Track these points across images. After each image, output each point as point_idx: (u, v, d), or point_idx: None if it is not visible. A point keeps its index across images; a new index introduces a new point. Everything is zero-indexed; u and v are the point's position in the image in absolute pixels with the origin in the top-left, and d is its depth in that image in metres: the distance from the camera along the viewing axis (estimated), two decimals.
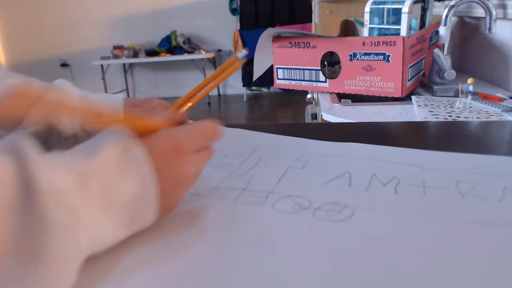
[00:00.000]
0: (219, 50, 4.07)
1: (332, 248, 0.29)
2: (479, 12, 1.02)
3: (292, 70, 1.00)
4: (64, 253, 0.22)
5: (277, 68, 1.03)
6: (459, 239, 0.30)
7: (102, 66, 3.96)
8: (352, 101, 0.93)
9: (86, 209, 0.25)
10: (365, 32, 1.10)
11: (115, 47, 4.00)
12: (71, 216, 0.23)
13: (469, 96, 0.79)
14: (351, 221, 0.32)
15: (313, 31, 2.29)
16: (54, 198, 0.22)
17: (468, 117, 0.70)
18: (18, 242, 0.21)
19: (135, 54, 4.01)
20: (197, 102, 0.51)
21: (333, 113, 0.83)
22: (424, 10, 1.08)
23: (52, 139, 0.45)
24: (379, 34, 1.06)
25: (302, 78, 1.00)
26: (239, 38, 3.81)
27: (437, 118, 0.70)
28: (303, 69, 0.98)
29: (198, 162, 0.32)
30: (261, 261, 0.28)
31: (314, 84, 0.98)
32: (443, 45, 0.98)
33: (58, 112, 0.42)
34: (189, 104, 0.51)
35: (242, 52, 0.54)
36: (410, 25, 1.00)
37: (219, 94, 4.24)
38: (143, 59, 3.97)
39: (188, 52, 3.97)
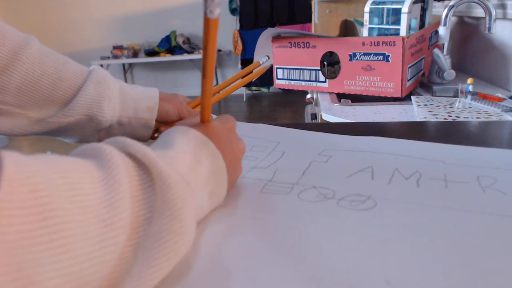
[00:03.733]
0: (219, 50, 4.07)
1: (357, 234, 0.30)
2: (479, 12, 1.02)
3: (292, 70, 1.00)
4: (188, 212, 0.27)
5: (276, 68, 1.03)
6: (480, 229, 0.30)
7: (101, 66, 3.95)
8: (352, 101, 0.93)
9: (189, 183, 0.30)
10: (364, 32, 1.10)
11: (114, 47, 4.00)
12: (185, 187, 0.29)
13: (469, 96, 0.79)
14: (375, 211, 0.33)
15: (312, 31, 2.29)
16: (173, 179, 0.28)
17: (467, 117, 0.70)
18: (152, 212, 0.26)
19: (135, 54, 4.00)
20: (216, 102, 0.57)
21: (333, 113, 0.83)
22: (423, 10, 1.08)
23: (88, 129, 0.51)
24: (379, 34, 1.06)
25: (301, 78, 1.00)
26: (239, 38, 3.81)
27: (436, 118, 0.70)
28: (303, 69, 0.98)
29: (242, 141, 0.39)
30: (290, 244, 0.30)
31: (314, 84, 0.98)
32: (443, 45, 0.98)
33: (101, 104, 0.50)
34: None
35: (264, 59, 0.64)
36: (409, 25, 1.00)
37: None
38: (142, 59, 3.97)
39: (188, 52, 3.97)
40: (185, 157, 0.32)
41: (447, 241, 0.29)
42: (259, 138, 0.52)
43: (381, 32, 1.06)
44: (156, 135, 0.58)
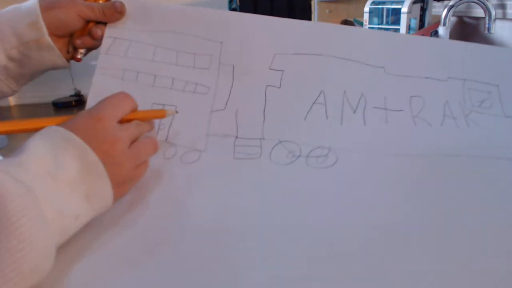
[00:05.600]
0: None
1: (328, 192, 0.35)
2: (479, 12, 1.02)
3: None
4: (32, 225, 0.23)
5: None
6: (415, 170, 0.37)
7: None
8: None
9: (37, 184, 0.26)
10: None
11: None
12: (24, 188, 0.25)
13: None
14: (338, 166, 0.37)
15: None
16: (3, 181, 0.23)
17: None
18: None
19: None
20: None
21: None
22: (423, 10, 1.08)
23: None
24: None
25: None
26: None
27: None
28: None
29: (130, 136, 0.33)
30: (274, 204, 0.33)
31: None
32: None
33: None
34: None
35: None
36: (409, 25, 1.00)
37: None
38: None
39: None
40: (40, 161, 0.27)
41: (401, 185, 0.35)
42: (197, 36, 0.45)
43: None
44: (79, 56, 0.49)
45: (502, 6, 0.93)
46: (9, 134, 0.31)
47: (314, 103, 0.42)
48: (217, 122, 0.41)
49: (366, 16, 1.08)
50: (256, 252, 0.29)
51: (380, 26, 1.06)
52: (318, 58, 0.44)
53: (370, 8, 1.06)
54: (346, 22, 1.96)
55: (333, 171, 0.37)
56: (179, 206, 0.34)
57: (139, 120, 0.35)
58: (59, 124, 0.30)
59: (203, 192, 0.35)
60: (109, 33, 0.48)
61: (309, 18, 3.01)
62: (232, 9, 3.96)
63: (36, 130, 0.31)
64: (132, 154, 0.32)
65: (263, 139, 0.40)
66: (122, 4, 0.48)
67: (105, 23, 0.49)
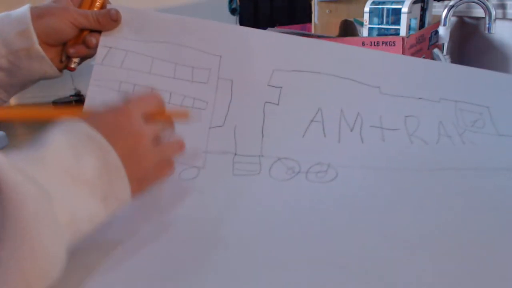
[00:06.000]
0: None
1: (330, 204, 0.36)
2: (479, 12, 1.02)
3: None
4: (44, 231, 0.22)
5: None
6: (415, 185, 0.38)
7: None
8: None
9: (54, 185, 0.25)
10: (364, 32, 1.10)
11: None
12: (38, 190, 0.23)
13: None
14: (338, 181, 0.38)
15: (312, 31, 2.29)
16: (16, 183, 0.22)
17: None
18: (4, 233, 0.21)
19: None
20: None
21: None
22: (423, 10, 1.08)
23: None
24: (379, 34, 1.06)
25: None
26: None
27: None
28: None
29: (155, 132, 0.32)
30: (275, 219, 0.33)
31: None
32: (443, 45, 0.98)
33: None
34: None
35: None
36: (409, 25, 1.00)
37: None
38: None
39: None
40: (61, 158, 0.26)
41: (402, 199, 0.36)
42: (196, 49, 0.45)
43: (381, 32, 1.06)
44: (73, 66, 0.47)
45: (503, 6, 0.93)
46: (26, 120, 0.30)
47: (312, 120, 0.43)
48: (216, 139, 0.41)
49: (366, 16, 1.08)
50: (258, 264, 0.29)
51: (380, 26, 1.06)
52: (316, 75, 0.44)
53: (370, 8, 1.06)
54: (346, 22, 1.95)
55: (333, 186, 0.38)
56: (179, 222, 0.34)
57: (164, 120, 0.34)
58: (83, 119, 0.29)
59: (203, 208, 0.35)
60: (104, 42, 0.46)
61: (309, 18, 3.01)
62: (232, 9, 3.96)
63: (57, 118, 0.30)
64: (156, 151, 0.32)
65: (262, 156, 0.40)
66: (117, 12, 0.47)
67: (100, 32, 0.47)
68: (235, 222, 0.33)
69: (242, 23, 3.93)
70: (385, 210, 0.34)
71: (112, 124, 0.30)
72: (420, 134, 0.42)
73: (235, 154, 0.40)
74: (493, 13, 0.89)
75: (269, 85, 0.43)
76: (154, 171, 0.32)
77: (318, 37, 0.95)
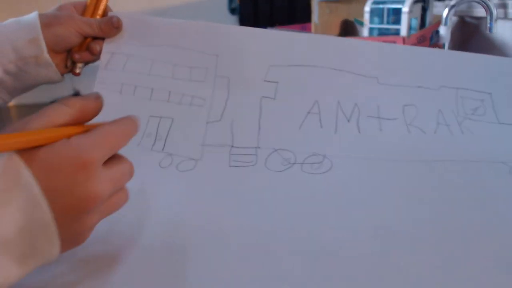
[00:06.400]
0: None
1: (323, 196, 0.35)
2: (480, 11, 1.01)
3: None
4: None
5: None
6: (411, 176, 0.37)
7: None
8: None
9: None
10: (365, 32, 1.10)
11: None
12: None
13: None
14: (332, 172, 0.38)
15: (312, 31, 2.29)
16: None
17: None
18: None
19: None
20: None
21: None
22: (424, 9, 1.08)
23: None
24: (379, 34, 1.05)
25: None
26: None
27: None
28: None
29: (113, 177, 0.26)
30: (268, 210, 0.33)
31: None
32: (444, 45, 0.97)
33: None
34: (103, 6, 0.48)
35: None
36: (410, 25, 1.00)
37: None
38: None
39: None
40: None
41: (396, 189, 0.35)
42: (193, 49, 0.46)
43: (382, 32, 1.05)
44: (77, 71, 0.49)
45: (504, 6, 0.92)
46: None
47: (308, 113, 0.43)
48: (213, 133, 0.42)
49: (366, 16, 1.07)
50: (253, 254, 0.29)
51: (380, 26, 1.05)
52: (312, 69, 0.45)
53: (370, 8, 1.05)
54: (346, 22, 1.95)
55: (328, 176, 0.38)
56: (176, 213, 0.34)
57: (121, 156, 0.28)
58: (26, 150, 0.23)
59: (200, 199, 0.36)
60: (107, 48, 0.49)
61: (309, 18, 3.01)
62: (232, 9, 3.96)
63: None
64: (107, 198, 0.26)
65: (258, 148, 0.40)
66: (118, 19, 0.48)
67: (103, 38, 0.49)
68: (231, 213, 0.33)
69: (242, 23, 3.93)
70: (379, 201, 0.34)
71: (63, 175, 0.23)
72: (418, 123, 0.42)
73: (232, 146, 0.41)
74: (494, 12, 0.89)
75: (265, 80, 0.44)
76: (101, 216, 0.27)
77: None
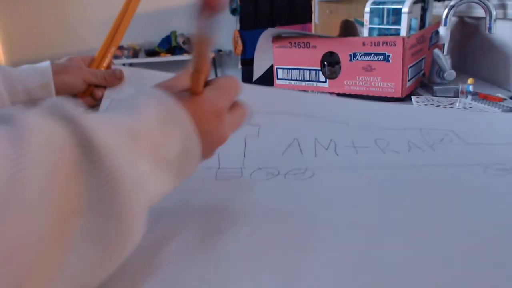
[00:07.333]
0: (219, 50, 4.07)
1: (308, 197, 0.38)
2: (479, 12, 1.01)
3: (292, 70, 1.00)
4: (134, 204, 0.24)
5: (277, 68, 1.03)
6: (377, 182, 0.41)
7: None
8: None
9: (142, 164, 0.26)
10: (365, 32, 1.10)
11: None
12: (135, 171, 0.25)
13: (469, 96, 0.79)
14: (315, 178, 0.42)
15: (313, 31, 2.29)
16: (117, 158, 0.23)
17: None
18: (91, 200, 0.22)
19: (135, 54, 4.01)
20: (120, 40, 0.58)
21: None
22: (424, 10, 1.08)
23: None
24: (379, 34, 1.06)
25: (302, 78, 1.00)
26: (239, 38, 3.81)
27: None
28: (303, 69, 0.98)
29: (235, 122, 0.35)
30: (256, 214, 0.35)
31: (314, 84, 0.98)
32: (443, 45, 0.98)
33: None
34: (113, 48, 0.56)
35: None
36: (410, 25, 1.00)
37: None
38: (143, 59, 3.97)
39: (188, 52, 3.96)
40: (151, 134, 0.27)
41: (375, 190, 0.39)
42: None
43: (382, 32, 1.06)
44: None
45: (503, 6, 0.93)
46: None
47: (289, 145, 0.49)
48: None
49: (366, 16, 1.08)
50: (236, 255, 0.30)
51: (380, 26, 1.06)
52: (291, 116, 0.54)
53: (370, 8, 1.06)
54: (346, 22, 1.95)
55: (311, 181, 0.41)
56: (158, 221, 0.35)
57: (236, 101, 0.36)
58: (181, 100, 0.30)
59: (184, 208, 0.38)
60: (108, 94, 0.56)
61: (309, 18, 3.01)
62: (232, 9, 3.96)
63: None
64: (231, 131, 0.34)
65: (244, 168, 0.45)
66: (121, 72, 0.57)
67: (105, 86, 0.56)
68: (214, 216, 0.36)
69: (242, 23, 3.93)
70: (363, 202, 0.37)
71: (204, 121, 0.31)
72: (391, 148, 0.47)
73: (219, 168, 0.45)
74: (494, 13, 0.89)
75: (249, 124, 0.50)
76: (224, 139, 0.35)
77: (319, 37, 0.95)
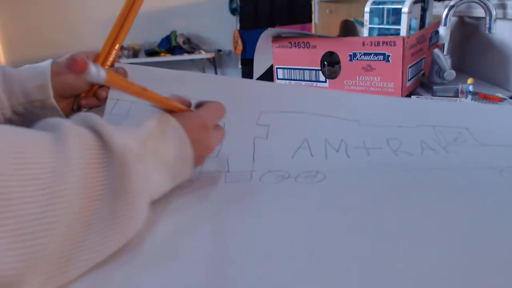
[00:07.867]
0: (219, 50, 4.07)
1: (320, 200, 0.38)
2: (479, 12, 1.02)
3: (292, 70, 1.00)
4: (142, 194, 0.30)
5: (277, 68, 1.03)
6: (395, 184, 0.39)
7: None
8: None
9: (148, 163, 0.32)
10: (365, 32, 1.10)
11: None
12: (143, 167, 0.31)
13: (469, 96, 0.79)
14: (326, 181, 0.41)
15: (313, 31, 2.29)
16: (130, 155, 0.29)
17: None
18: (106, 188, 0.28)
19: (135, 54, 4.00)
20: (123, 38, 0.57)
21: None
22: (424, 10, 1.08)
23: None
24: (379, 34, 1.06)
25: (302, 78, 1.00)
26: (239, 38, 3.81)
27: None
28: (303, 69, 0.98)
29: (218, 137, 0.41)
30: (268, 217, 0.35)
31: (314, 84, 0.98)
32: (443, 45, 0.98)
33: None
34: (117, 46, 0.54)
35: None
36: (410, 25, 1.00)
37: None
38: (143, 59, 3.97)
39: (188, 52, 3.96)
40: (153, 138, 0.33)
41: (387, 194, 0.38)
42: (191, 98, 0.50)
43: (381, 32, 1.06)
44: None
45: (503, 6, 0.93)
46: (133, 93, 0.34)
47: (299, 148, 0.48)
48: (210, 164, 0.46)
49: (366, 16, 1.08)
50: (246, 256, 0.30)
51: (380, 26, 1.06)
52: (300, 115, 0.52)
53: (370, 8, 1.06)
54: (346, 22, 1.96)
55: (323, 184, 0.41)
56: (171, 223, 0.35)
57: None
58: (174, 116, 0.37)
59: (195, 209, 0.38)
60: (113, 95, 0.54)
61: (309, 18, 3.01)
62: (232, 9, 3.96)
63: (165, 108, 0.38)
64: (216, 143, 0.42)
65: (253, 171, 0.45)
66: (124, 70, 0.56)
67: (109, 86, 0.54)
68: (225, 219, 0.35)
69: (242, 23, 3.93)
70: (375, 205, 0.36)
71: (194, 131, 0.37)
72: (403, 150, 0.46)
73: (228, 171, 0.45)
74: (494, 13, 0.89)
75: (258, 124, 0.50)
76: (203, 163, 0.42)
77: (319, 37, 0.95)
